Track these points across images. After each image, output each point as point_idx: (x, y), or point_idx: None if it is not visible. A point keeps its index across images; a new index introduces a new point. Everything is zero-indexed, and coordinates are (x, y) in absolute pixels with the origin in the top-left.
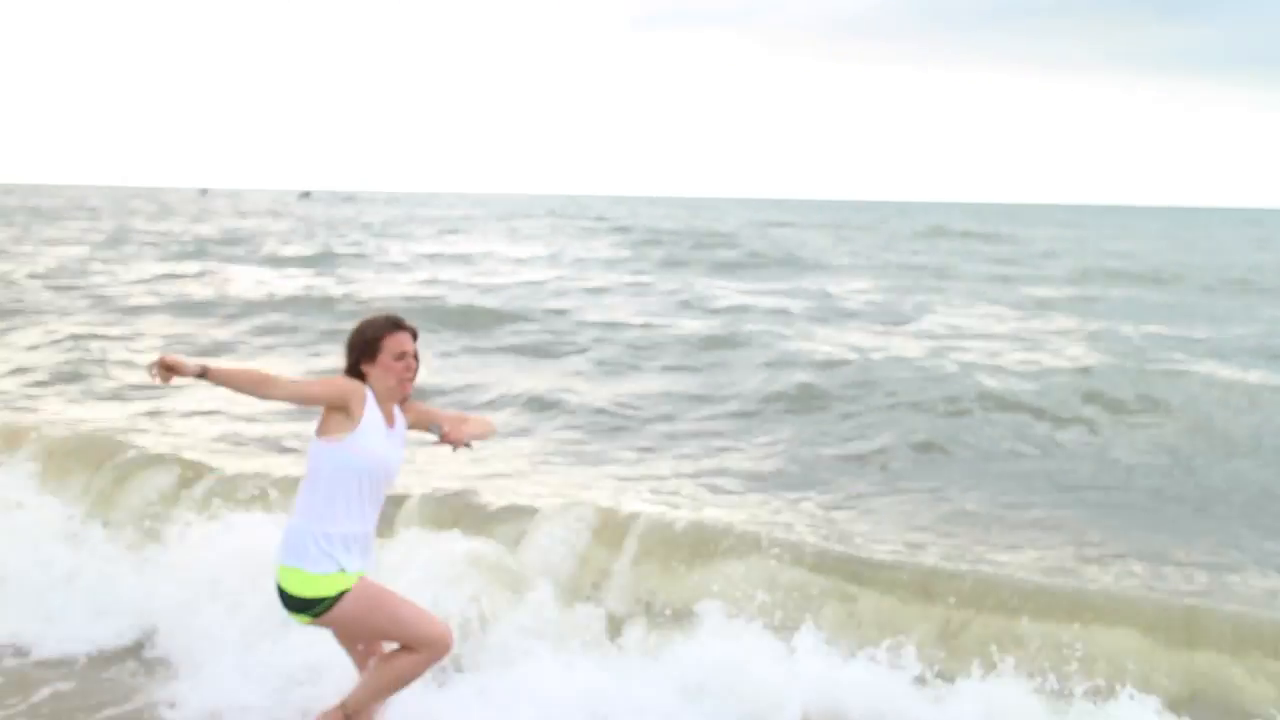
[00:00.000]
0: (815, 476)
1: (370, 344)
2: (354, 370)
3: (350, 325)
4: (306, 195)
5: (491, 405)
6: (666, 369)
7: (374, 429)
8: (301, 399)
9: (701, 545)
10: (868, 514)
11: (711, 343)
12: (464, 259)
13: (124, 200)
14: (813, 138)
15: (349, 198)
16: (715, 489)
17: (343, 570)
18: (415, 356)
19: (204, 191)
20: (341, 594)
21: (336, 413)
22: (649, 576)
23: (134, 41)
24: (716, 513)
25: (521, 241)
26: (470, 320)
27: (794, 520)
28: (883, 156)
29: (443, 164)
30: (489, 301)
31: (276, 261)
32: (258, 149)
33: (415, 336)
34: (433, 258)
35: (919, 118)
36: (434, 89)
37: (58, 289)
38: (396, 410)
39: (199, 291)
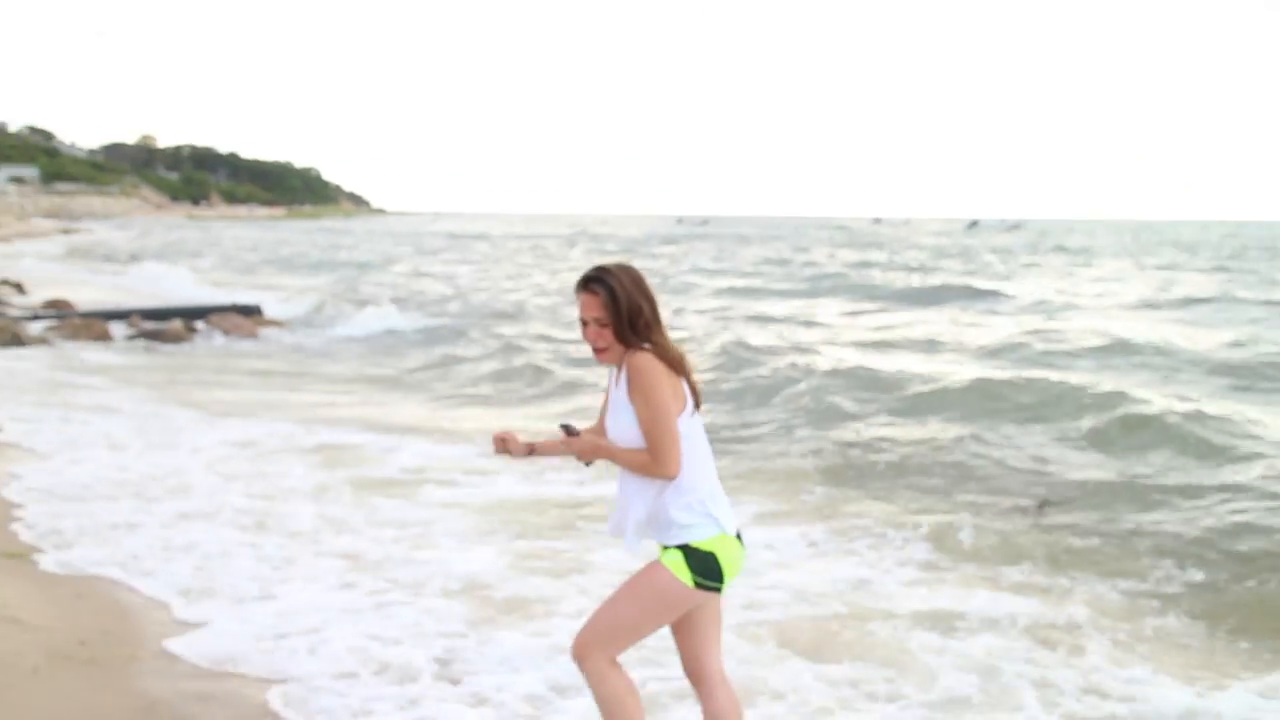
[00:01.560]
0: None
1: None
2: None
3: None
4: (974, 225)
5: None
6: None
7: (610, 397)
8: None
9: None
10: None
11: None
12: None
13: (805, 230)
14: None
15: (1015, 226)
16: None
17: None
18: (601, 321)
19: (877, 221)
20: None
21: None
22: None
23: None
24: None
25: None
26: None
27: None
28: None
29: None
30: None
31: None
32: (928, 178)
33: (611, 296)
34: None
35: None
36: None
37: None
38: (622, 372)
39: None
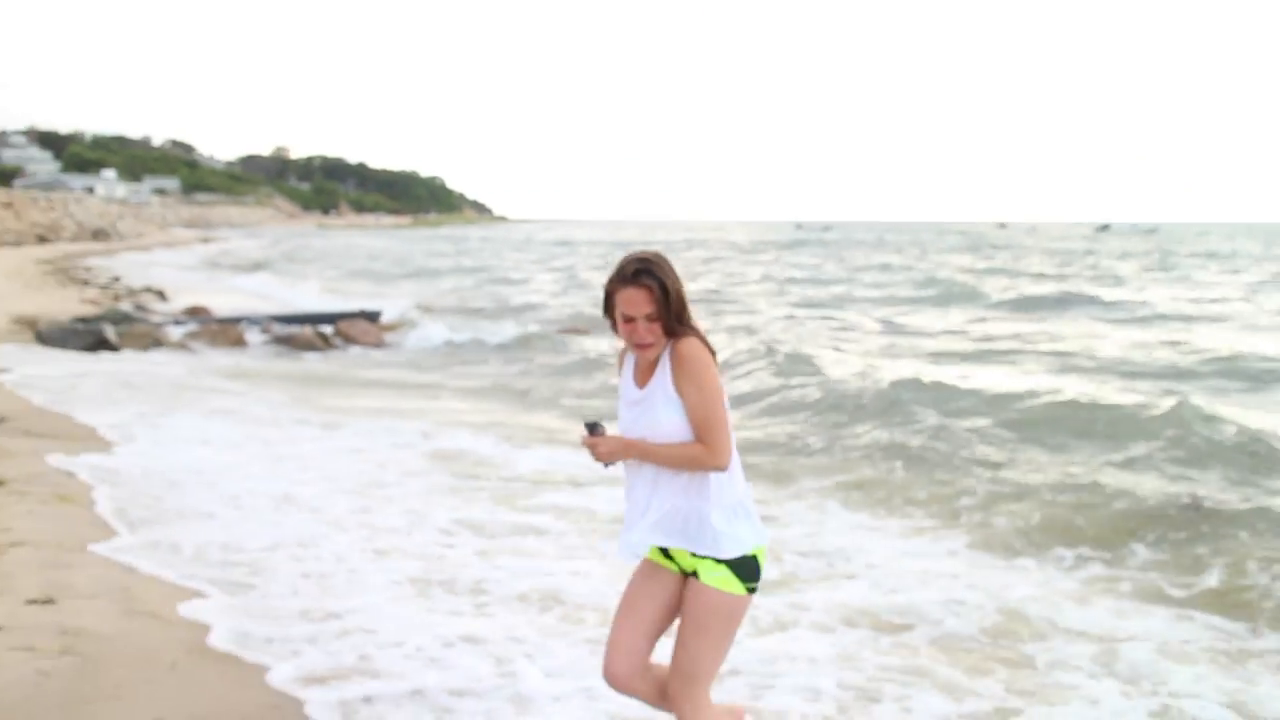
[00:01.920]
0: None
1: (609, 298)
2: (609, 318)
3: None
4: (1105, 228)
5: None
6: None
7: (623, 393)
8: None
9: None
10: None
11: None
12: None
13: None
14: None
15: (1151, 230)
16: None
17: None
18: (652, 316)
19: (1003, 225)
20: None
21: None
22: None
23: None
24: None
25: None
26: None
27: None
28: None
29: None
30: None
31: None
32: (1056, 181)
33: (663, 289)
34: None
35: None
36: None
37: None
38: (663, 362)
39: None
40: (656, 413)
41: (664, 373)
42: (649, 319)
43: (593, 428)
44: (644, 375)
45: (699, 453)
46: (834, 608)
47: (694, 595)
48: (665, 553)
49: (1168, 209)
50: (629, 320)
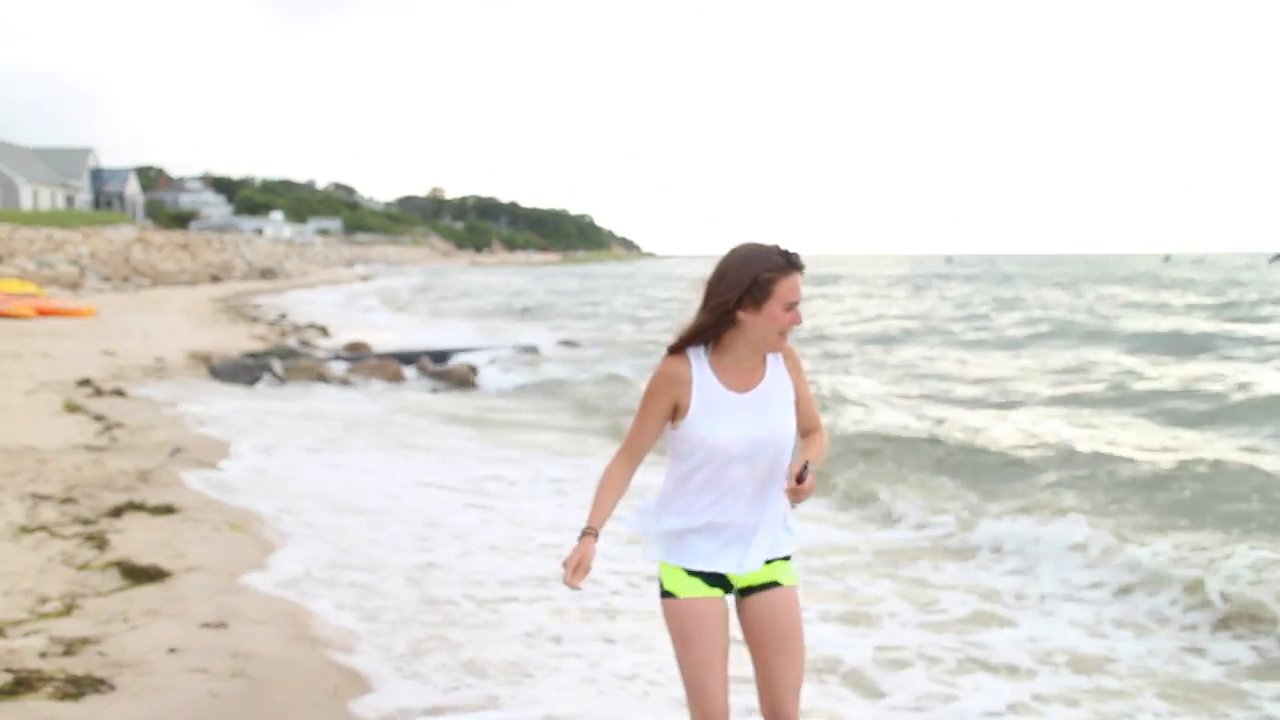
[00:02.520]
0: None
1: (763, 286)
2: (721, 311)
3: None
4: (1278, 258)
5: None
6: None
7: (710, 408)
8: (640, 443)
9: None
10: None
11: None
12: None
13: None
14: None
15: None
16: None
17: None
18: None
19: (1167, 258)
20: (666, 592)
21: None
22: None
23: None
24: None
25: None
26: None
27: None
28: None
29: None
30: None
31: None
32: (1223, 210)
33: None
34: None
35: None
36: None
37: None
38: (771, 360)
39: None
40: (776, 412)
41: (776, 370)
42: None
43: (801, 474)
44: (743, 378)
45: (827, 440)
46: None
47: (785, 602)
48: (712, 579)
49: None
50: (791, 307)
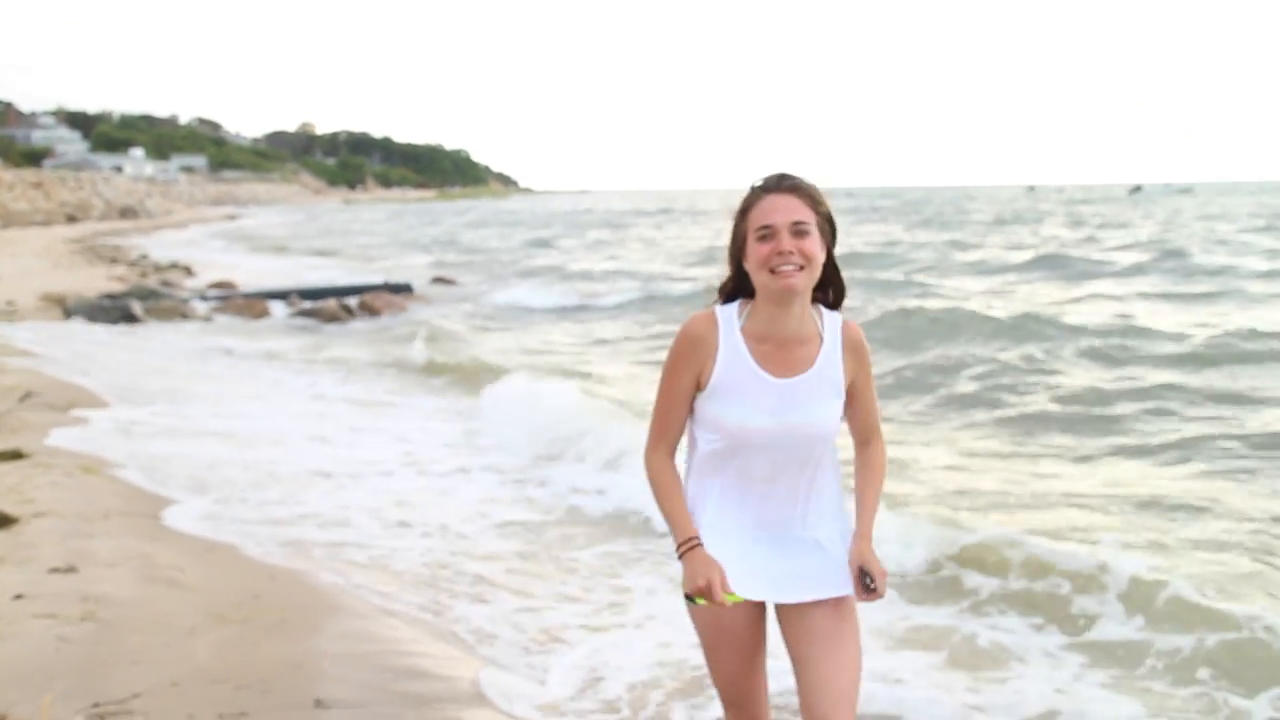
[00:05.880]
0: None
1: (743, 217)
2: (736, 260)
3: None
4: (1137, 190)
5: None
6: None
7: (732, 382)
8: (670, 426)
9: None
10: None
11: None
12: None
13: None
14: None
15: (1185, 190)
16: None
17: None
18: (803, 230)
19: (1031, 189)
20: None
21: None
22: None
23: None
24: None
25: None
26: None
27: None
28: None
29: None
30: None
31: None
32: (1086, 144)
33: (815, 204)
34: None
35: None
36: None
37: None
38: (830, 343)
39: None
40: (817, 405)
41: (832, 358)
42: (797, 231)
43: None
44: (784, 362)
45: (886, 460)
46: None
47: (850, 612)
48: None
49: (1197, 169)
50: (766, 236)
